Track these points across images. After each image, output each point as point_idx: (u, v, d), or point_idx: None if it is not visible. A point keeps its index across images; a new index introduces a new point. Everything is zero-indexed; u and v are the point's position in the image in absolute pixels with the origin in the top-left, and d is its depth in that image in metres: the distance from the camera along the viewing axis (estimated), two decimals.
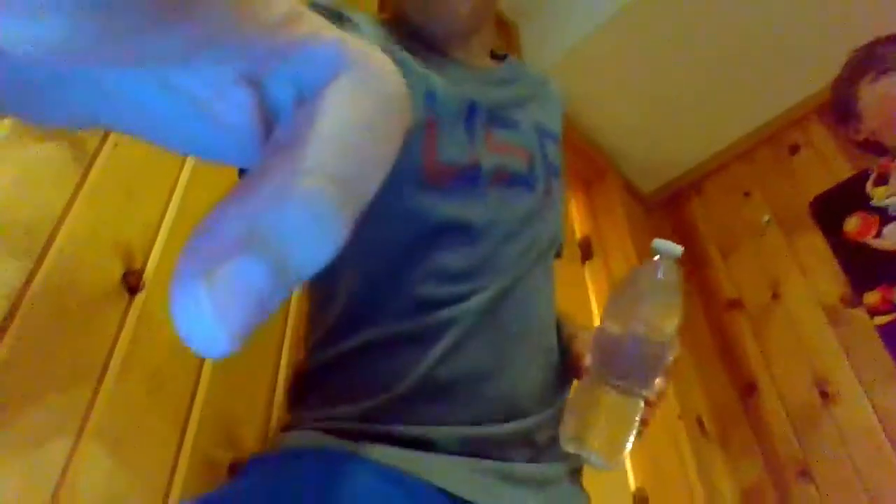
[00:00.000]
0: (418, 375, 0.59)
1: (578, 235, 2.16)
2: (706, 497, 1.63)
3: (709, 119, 2.28)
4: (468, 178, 0.67)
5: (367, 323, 0.63)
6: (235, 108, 0.18)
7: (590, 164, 2.28)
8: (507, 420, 0.61)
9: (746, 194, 2.24)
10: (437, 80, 0.70)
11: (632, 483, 1.63)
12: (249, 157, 0.19)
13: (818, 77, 2.09)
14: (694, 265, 2.28)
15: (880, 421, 1.65)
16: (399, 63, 0.66)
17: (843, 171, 1.99)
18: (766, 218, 2.13)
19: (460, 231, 0.65)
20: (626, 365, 0.60)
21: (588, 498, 0.69)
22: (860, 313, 1.79)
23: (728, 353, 2.05)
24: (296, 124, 0.18)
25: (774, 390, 1.89)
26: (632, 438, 0.58)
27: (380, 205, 0.63)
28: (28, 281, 0.66)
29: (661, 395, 0.64)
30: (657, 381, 0.61)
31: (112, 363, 0.69)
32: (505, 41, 2.20)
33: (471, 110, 0.71)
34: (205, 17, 0.15)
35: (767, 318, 2.00)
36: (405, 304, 0.62)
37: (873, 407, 1.67)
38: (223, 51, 0.16)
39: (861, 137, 1.48)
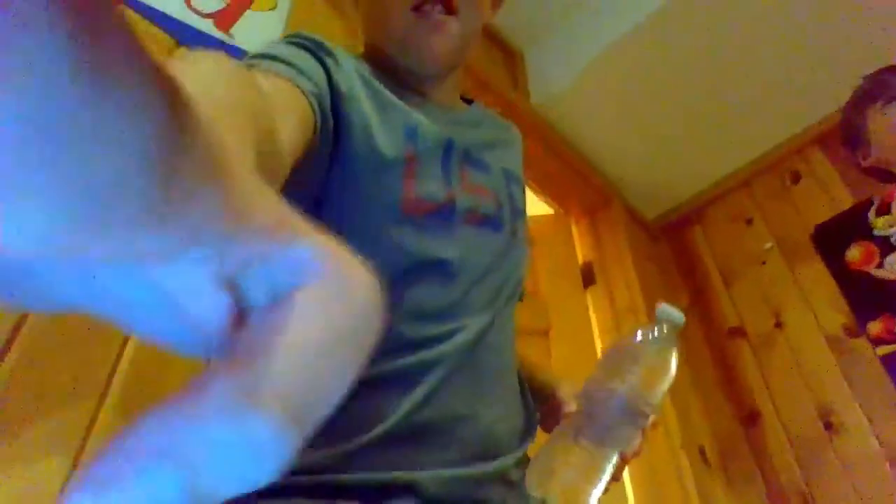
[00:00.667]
0: (399, 417, 0.58)
1: (581, 261, 2.17)
2: None
3: (712, 147, 2.29)
4: (443, 215, 0.67)
5: None
6: (210, 309, 0.17)
7: (594, 190, 2.29)
8: (485, 459, 0.60)
9: (749, 222, 2.24)
10: (418, 117, 0.71)
11: None
12: (214, 352, 0.18)
13: (820, 106, 2.11)
14: (696, 293, 2.28)
15: (884, 451, 1.63)
16: (382, 96, 0.69)
17: (845, 199, 2.00)
18: (768, 244, 2.13)
19: (436, 268, 0.65)
20: (608, 420, 0.60)
21: None
22: (863, 343, 1.78)
23: (730, 382, 2.04)
24: (256, 333, 0.17)
25: (777, 420, 1.87)
26: (598, 493, 0.58)
27: (358, 240, 0.62)
28: None
29: (635, 454, 0.65)
30: (635, 441, 0.62)
31: (115, 377, 0.69)
32: (510, 69, 2.23)
33: (447, 148, 0.71)
34: (199, 213, 0.14)
35: (770, 346, 1.99)
36: (385, 344, 0.60)
37: (877, 437, 1.66)
38: (207, 249, 0.16)
39: (868, 164, 1.49)
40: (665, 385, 0.62)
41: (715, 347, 2.13)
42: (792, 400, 1.86)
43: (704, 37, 1.96)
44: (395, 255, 0.64)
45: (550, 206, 2.31)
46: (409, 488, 0.56)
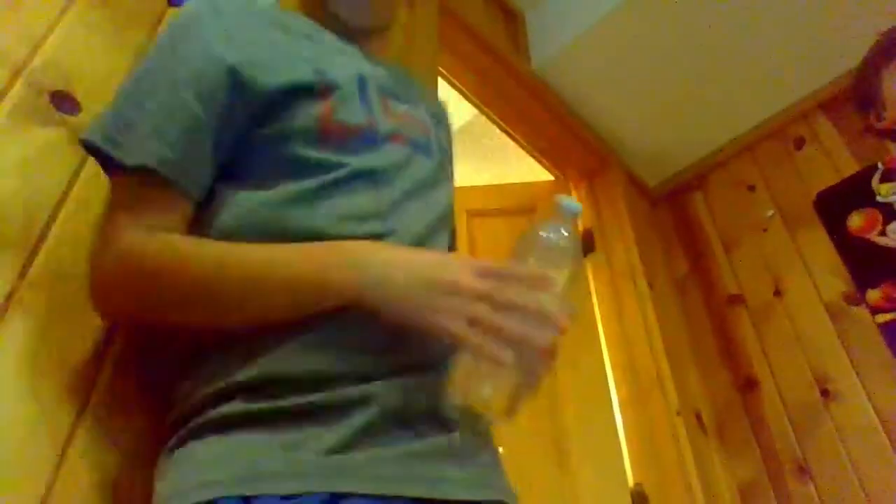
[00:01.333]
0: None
1: (581, 228, 2.15)
2: (704, 493, 1.63)
3: (714, 112, 2.26)
4: (366, 137, 0.70)
5: None
6: None
7: (593, 155, 2.27)
8: (435, 368, 0.60)
9: (751, 188, 2.22)
10: (327, 55, 0.75)
11: (630, 479, 1.64)
12: None
13: (825, 71, 2.08)
14: (696, 260, 2.27)
15: (880, 419, 1.64)
16: (291, 31, 0.75)
17: (849, 166, 1.98)
18: (770, 212, 2.11)
19: (365, 177, 0.67)
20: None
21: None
22: (862, 311, 1.78)
23: (728, 350, 2.04)
24: None
25: (774, 387, 1.88)
26: (521, 390, 0.56)
27: (283, 168, 0.65)
28: (23, 271, 0.65)
29: (552, 352, 0.58)
30: (545, 332, 0.55)
31: (107, 357, 0.68)
32: (510, 32, 2.19)
33: (361, 82, 0.73)
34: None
35: (769, 314, 1.99)
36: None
37: (873, 405, 1.67)
38: None
39: (882, 125, 1.44)
40: (565, 275, 0.58)
41: (714, 315, 2.13)
42: (789, 368, 1.87)
43: (708, 0, 1.92)
44: (320, 171, 0.65)
45: (550, 171, 2.29)
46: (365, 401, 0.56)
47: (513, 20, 2.23)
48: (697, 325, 2.14)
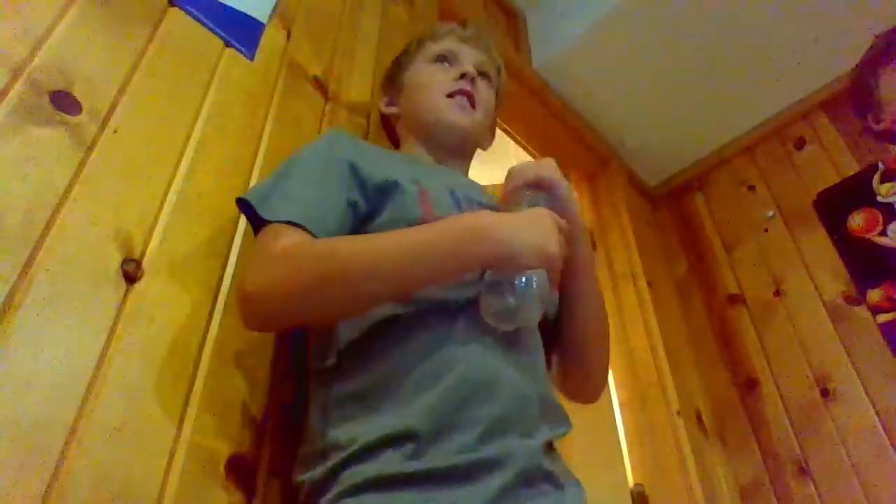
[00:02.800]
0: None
1: None
2: (704, 493, 1.63)
3: (715, 112, 2.26)
4: None
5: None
6: None
7: (594, 155, 2.26)
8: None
9: (751, 189, 2.22)
10: (421, 171, 0.92)
11: (630, 479, 1.63)
12: None
13: (825, 71, 2.08)
14: (696, 259, 2.27)
15: (880, 419, 1.64)
16: (384, 154, 0.98)
17: (849, 166, 1.97)
18: (770, 212, 2.11)
19: None
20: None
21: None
22: (862, 311, 1.78)
23: (728, 349, 2.04)
24: None
25: (774, 387, 1.88)
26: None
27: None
28: (25, 268, 0.65)
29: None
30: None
31: (109, 353, 0.68)
32: (511, 31, 2.19)
33: (452, 192, 0.89)
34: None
35: (769, 314, 1.99)
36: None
37: (873, 405, 1.66)
38: None
39: (881, 127, 1.45)
40: None
41: (714, 314, 2.13)
42: (789, 367, 1.87)
43: (709, 0, 1.92)
44: None
45: None
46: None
47: (513, 20, 2.23)
48: (697, 325, 2.14)
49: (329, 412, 0.71)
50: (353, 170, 0.83)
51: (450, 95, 1.05)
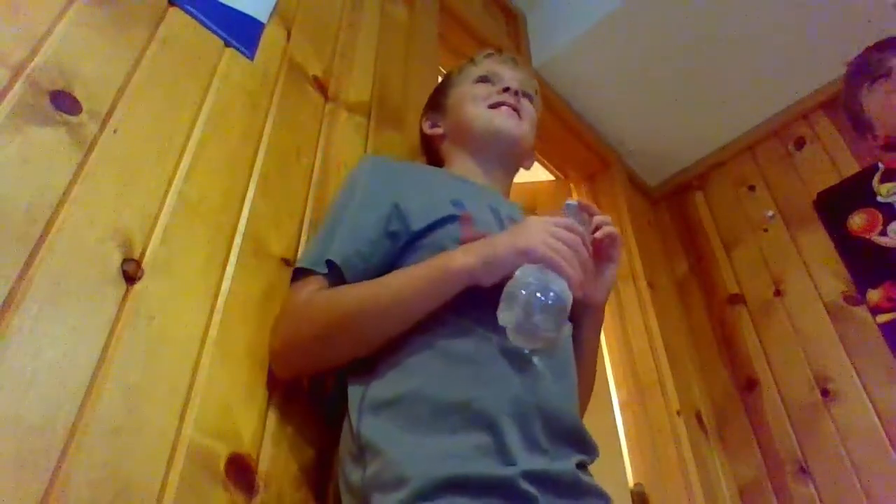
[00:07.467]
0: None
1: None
2: (704, 493, 1.62)
3: (715, 112, 2.26)
4: None
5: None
6: None
7: (594, 155, 2.26)
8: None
9: (751, 189, 2.22)
10: (463, 190, 0.95)
11: (630, 479, 1.63)
12: None
13: (825, 71, 2.08)
14: (696, 259, 2.27)
15: (880, 419, 1.64)
16: (427, 175, 1.04)
17: (849, 166, 1.97)
18: (770, 212, 2.11)
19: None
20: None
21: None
22: (862, 311, 1.78)
23: (728, 349, 2.04)
24: None
25: (774, 387, 1.88)
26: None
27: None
28: (25, 268, 0.65)
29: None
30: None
31: (109, 353, 0.68)
32: (511, 32, 2.19)
33: (495, 210, 0.92)
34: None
35: (769, 314, 1.99)
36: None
37: (873, 405, 1.66)
38: None
39: (882, 142, 1.48)
40: None
41: (714, 314, 2.13)
42: (790, 367, 1.87)
43: (709, 0, 1.92)
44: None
45: (550, 171, 2.29)
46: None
47: (513, 20, 2.23)
48: (697, 325, 2.14)
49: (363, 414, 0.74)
50: (395, 208, 0.88)
51: (492, 106, 1.08)
